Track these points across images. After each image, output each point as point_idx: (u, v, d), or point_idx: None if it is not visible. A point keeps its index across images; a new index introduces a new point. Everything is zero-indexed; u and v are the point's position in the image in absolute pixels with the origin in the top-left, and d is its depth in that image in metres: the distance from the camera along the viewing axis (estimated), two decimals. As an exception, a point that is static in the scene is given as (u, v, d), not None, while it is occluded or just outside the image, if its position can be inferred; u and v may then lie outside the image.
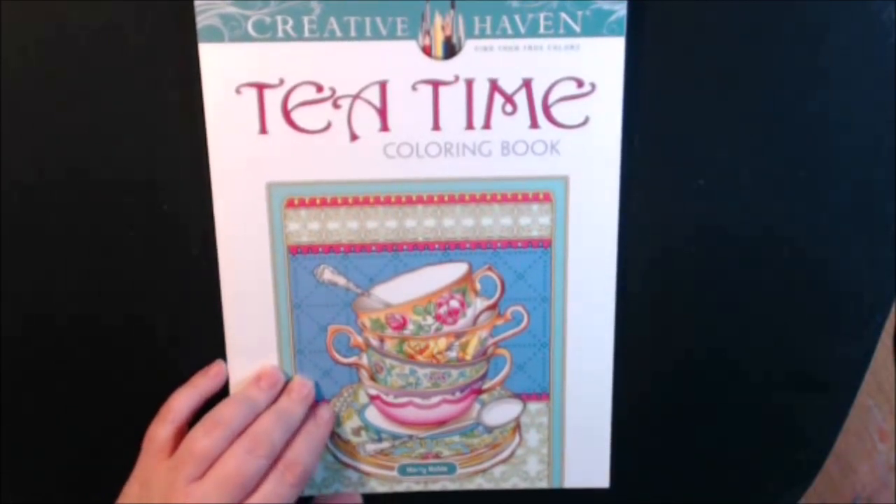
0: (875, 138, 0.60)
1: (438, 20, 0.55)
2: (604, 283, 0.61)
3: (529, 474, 0.65)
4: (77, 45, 0.57)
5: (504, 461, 0.65)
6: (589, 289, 0.61)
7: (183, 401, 0.60)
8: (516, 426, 0.64)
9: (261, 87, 0.56)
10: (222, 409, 0.58)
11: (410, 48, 0.56)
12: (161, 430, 0.58)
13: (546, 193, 0.59)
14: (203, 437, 0.57)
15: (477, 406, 0.64)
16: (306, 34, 0.55)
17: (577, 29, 0.56)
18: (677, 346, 0.64)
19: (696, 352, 0.64)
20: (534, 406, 0.64)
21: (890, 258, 0.62)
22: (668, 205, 0.61)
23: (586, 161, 0.58)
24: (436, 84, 0.57)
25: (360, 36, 0.55)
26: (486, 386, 0.63)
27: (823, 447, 0.67)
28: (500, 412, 0.64)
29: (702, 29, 0.58)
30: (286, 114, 0.57)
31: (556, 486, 0.66)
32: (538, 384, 0.63)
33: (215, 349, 0.61)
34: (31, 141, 0.58)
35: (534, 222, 0.60)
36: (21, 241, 0.60)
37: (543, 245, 0.60)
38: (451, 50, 0.56)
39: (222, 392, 0.62)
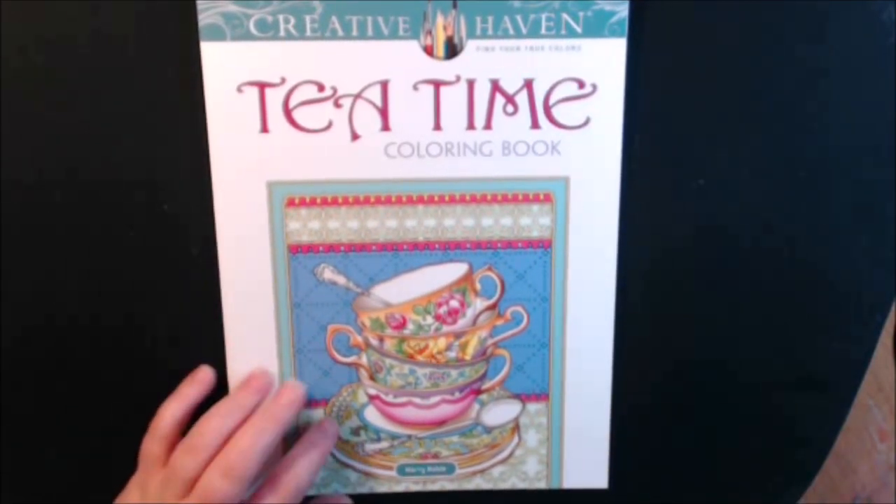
0: (875, 138, 0.60)
1: (440, 20, 0.55)
2: (604, 283, 0.61)
3: (528, 475, 0.65)
4: (77, 45, 0.57)
5: (503, 461, 0.65)
6: (589, 289, 0.61)
7: (171, 412, 0.60)
8: (515, 426, 0.64)
9: (262, 86, 0.56)
10: (205, 425, 0.58)
11: (412, 48, 0.56)
12: (152, 445, 0.59)
13: (546, 194, 0.59)
14: (184, 458, 0.57)
15: (476, 406, 0.64)
16: (308, 33, 0.55)
17: (579, 30, 0.56)
18: (677, 346, 0.64)
19: (695, 352, 0.64)
20: (533, 406, 0.64)
21: (890, 258, 0.62)
22: (668, 205, 0.61)
23: (587, 162, 0.59)
24: (437, 84, 0.57)
25: (362, 35, 0.55)
26: (485, 386, 0.63)
27: (823, 447, 0.67)
28: (500, 412, 0.64)
29: (702, 30, 0.58)
30: (287, 113, 0.57)
31: (554, 486, 0.66)
32: (537, 385, 0.63)
33: (215, 349, 0.61)
34: (31, 141, 0.58)
35: (534, 223, 0.60)
36: (21, 241, 0.60)
37: (544, 245, 0.60)
38: (452, 50, 0.56)
39: (219, 392, 0.62)
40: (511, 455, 0.65)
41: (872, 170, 0.61)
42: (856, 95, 0.59)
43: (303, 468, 0.59)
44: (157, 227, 0.60)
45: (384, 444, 0.64)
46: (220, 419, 0.58)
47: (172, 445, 0.59)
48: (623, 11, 0.55)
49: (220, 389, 0.62)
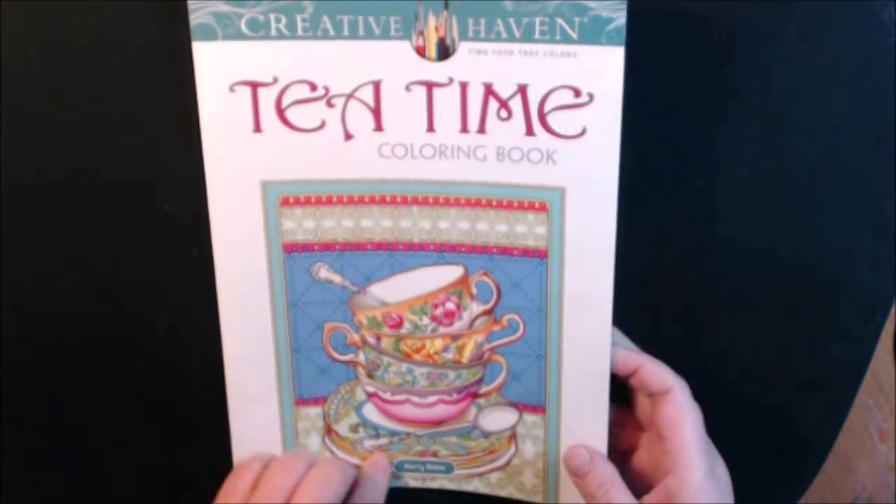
0: (875, 138, 0.59)
1: (432, 21, 0.54)
2: (601, 297, 0.59)
3: (525, 486, 0.64)
4: (77, 45, 0.57)
5: (500, 468, 0.64)
6: (585, 303, 0.59)
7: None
8: (512, 435, 0.64)
9: (254, 86, 0.56)
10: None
11: (404, 48, 0.55)
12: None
13: (542, 203, 0.57)
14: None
15: (474, 409, 0.63)
16: (299, 32, 0.55)
17: (574, 36, 0.53)
18: (676, 349, 0.63)
19: (695, 352, 0.64)
20: (529, 418, 0.63)
21: (890, 258, 0.62)
22: (668, 206, 0.61)
23: (584, 174, 0.56)
24: (429, 85, 0.56)
25: (354, 35, 0.55)
26: (482, 390, 0.63)
27: (823, 447, 0.67)
28: (497, 418, 0.63)
29: (703, 29, 0.57)
30: (280, 112, 0.56)
31: (551, 501, 0.64)
32: (534, 396, 0.62)
33: (214, 349, 0.61)
34: (31, 141, 0.58)
35: (529, 231, 0.58)
36: (21, 241, 0.60)
37: (539, 255, 0.58)
38: (444, 51, 0.55)
39: (217, 395, 0.62)
40: (508, 463, 0.64)
41: (872, 170, 0.60)
42: (856, 95, 0.58)
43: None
44: (157, 227, 0.60)
45: (383, 441, 0.64)
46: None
47: None
48: (621, 18, 0.52)
49: (219, 392, 0.62)
